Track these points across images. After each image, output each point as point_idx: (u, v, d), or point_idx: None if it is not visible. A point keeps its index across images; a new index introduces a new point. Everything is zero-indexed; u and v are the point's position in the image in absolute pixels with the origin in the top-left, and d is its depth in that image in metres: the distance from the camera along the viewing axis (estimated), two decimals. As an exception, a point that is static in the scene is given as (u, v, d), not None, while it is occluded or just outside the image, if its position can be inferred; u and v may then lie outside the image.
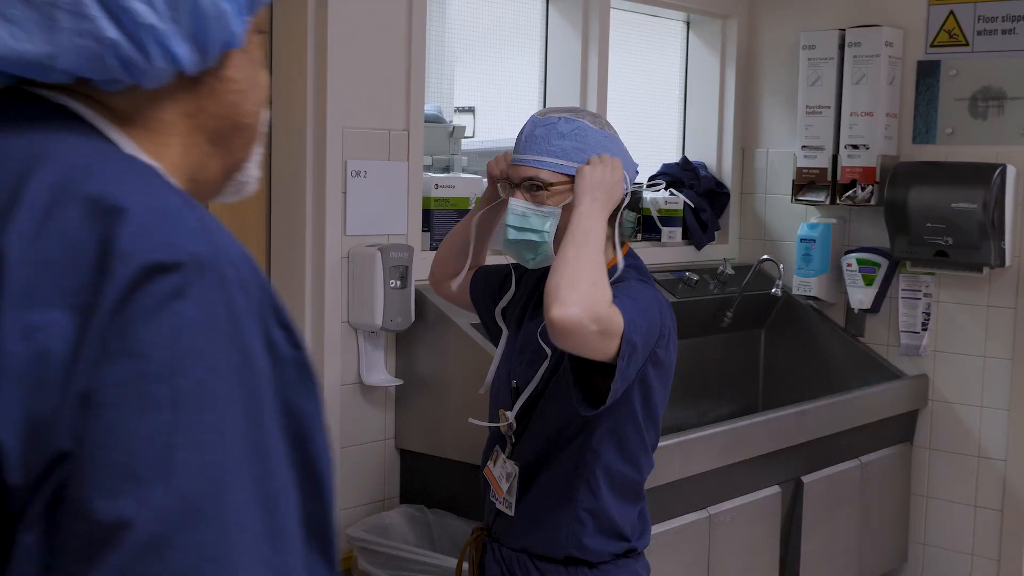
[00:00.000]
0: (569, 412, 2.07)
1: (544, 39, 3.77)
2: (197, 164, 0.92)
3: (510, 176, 2.15)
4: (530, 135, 2.11)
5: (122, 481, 0.68)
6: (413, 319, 2.95)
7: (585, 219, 2.01)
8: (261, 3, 0.91)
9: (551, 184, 2.07)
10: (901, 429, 3.90)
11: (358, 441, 3.01)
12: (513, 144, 2.18)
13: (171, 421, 0.70)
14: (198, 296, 0.73)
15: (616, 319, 1.93)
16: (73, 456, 0.69)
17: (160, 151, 0.88)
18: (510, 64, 3.78)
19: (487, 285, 2.39)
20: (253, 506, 0.72)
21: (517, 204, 2.09)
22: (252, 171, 0.99)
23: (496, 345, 2.34)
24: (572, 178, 2.06)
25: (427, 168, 3.21)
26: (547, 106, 3.63)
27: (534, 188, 2.08)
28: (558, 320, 1.90)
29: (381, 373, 3.01)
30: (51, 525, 0.69)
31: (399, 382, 3.01)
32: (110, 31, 0.80)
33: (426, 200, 3.11)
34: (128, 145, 0.86)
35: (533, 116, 2.16)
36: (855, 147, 3.86)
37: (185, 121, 0.89)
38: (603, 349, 1.93)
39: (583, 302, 1.90)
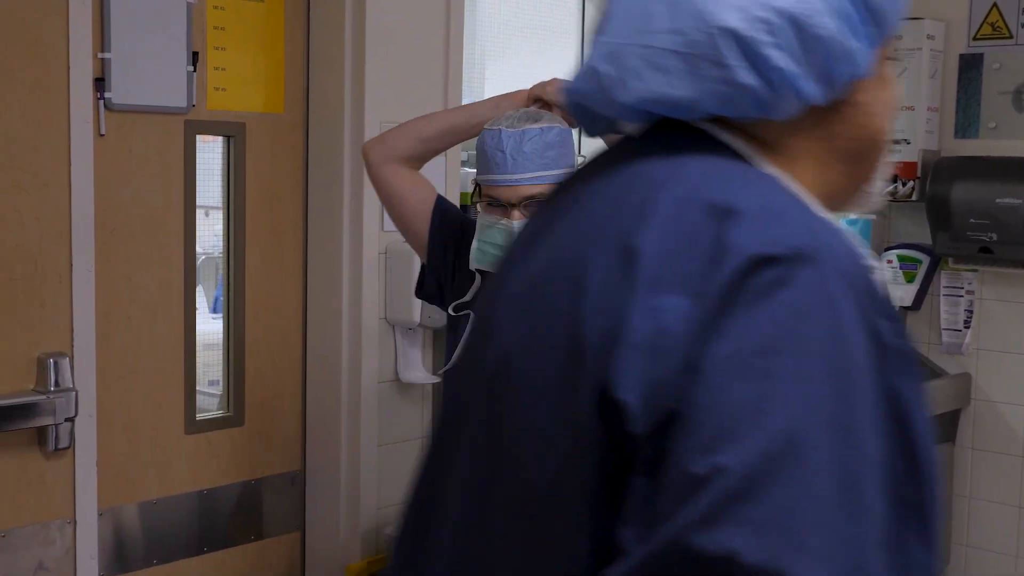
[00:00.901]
0: None
1: (580, 35, 3.74)
2: (830, 182, 1.01)
3: (501, 198, 2.08)
4: (517, 151, 2.04)
5: (717, 440, 0.79)
6: (451, 316, 2.93)
7: None
8: (889, 35, 0.99)
9: None
10: (943, 428, 3.84)
11: (395, 439, 2.99)
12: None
13: (763, 390, 0.80)
14: (798, 285, 0.83)
15: None
16: (679, 415, 0.81)
17: (795, 173, 0.99)
18: (545, 60, 3.74)
19: (448, 232, 2.29)
20: (831, 474, 0.79)
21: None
22: (877, 183, 1.07)
23: (433, 302, 2.33)
24: None
25: (463, 163, 3.19)
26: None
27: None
28: None
29: (419, 370, 2.99)
30: (655, 470, 0.82)
31: (437, 379, 2.98)
32: (746, 77, 0.92)
33: (464, 195, 3.08)
34: (763, 164, 0.97)
35: (506, 130, 2.07)
36: (896, 142, 3.80)
37: (819, 145, 1.00)
38: None
39: None
